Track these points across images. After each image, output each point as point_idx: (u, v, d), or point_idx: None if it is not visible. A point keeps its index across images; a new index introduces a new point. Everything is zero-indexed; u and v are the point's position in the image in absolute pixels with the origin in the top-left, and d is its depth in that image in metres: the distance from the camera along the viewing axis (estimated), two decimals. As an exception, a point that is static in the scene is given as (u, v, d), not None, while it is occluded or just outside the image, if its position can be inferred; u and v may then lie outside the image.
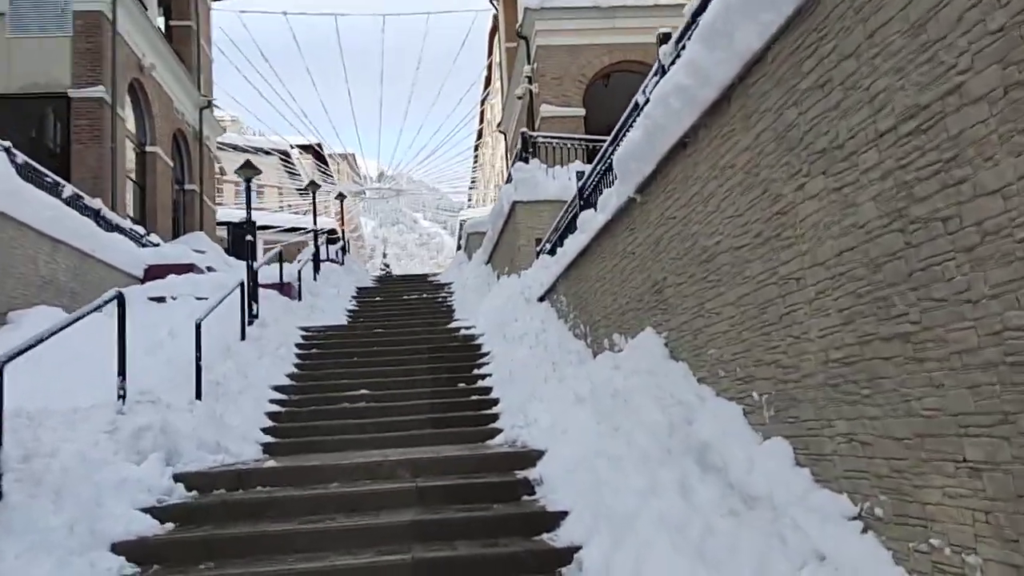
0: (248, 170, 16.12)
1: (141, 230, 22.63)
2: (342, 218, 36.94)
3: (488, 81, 48.87)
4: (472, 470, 8.36)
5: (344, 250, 30.65)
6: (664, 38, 8.75)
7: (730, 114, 6.26)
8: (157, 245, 22.60)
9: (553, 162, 20.32)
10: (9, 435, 6.72)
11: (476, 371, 12.90)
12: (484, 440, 9.90)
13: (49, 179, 17.93)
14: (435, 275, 30.09)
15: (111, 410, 8.39)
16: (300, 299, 19.04)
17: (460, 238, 36.91)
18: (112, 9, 23.55)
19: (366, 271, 33.73)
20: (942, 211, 3.84)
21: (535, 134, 21.88)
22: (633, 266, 9.12)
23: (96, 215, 19.41)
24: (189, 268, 19.89)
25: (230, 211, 40.77)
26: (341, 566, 6.32)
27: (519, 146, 20.98)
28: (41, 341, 7.45)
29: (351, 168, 72.86)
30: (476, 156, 63.69)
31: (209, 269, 21.22)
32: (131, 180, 25.40)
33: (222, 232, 35.67)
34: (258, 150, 49.27)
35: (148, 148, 26.64)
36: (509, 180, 20.28)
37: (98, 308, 8.99)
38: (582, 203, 12.80)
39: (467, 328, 15.92)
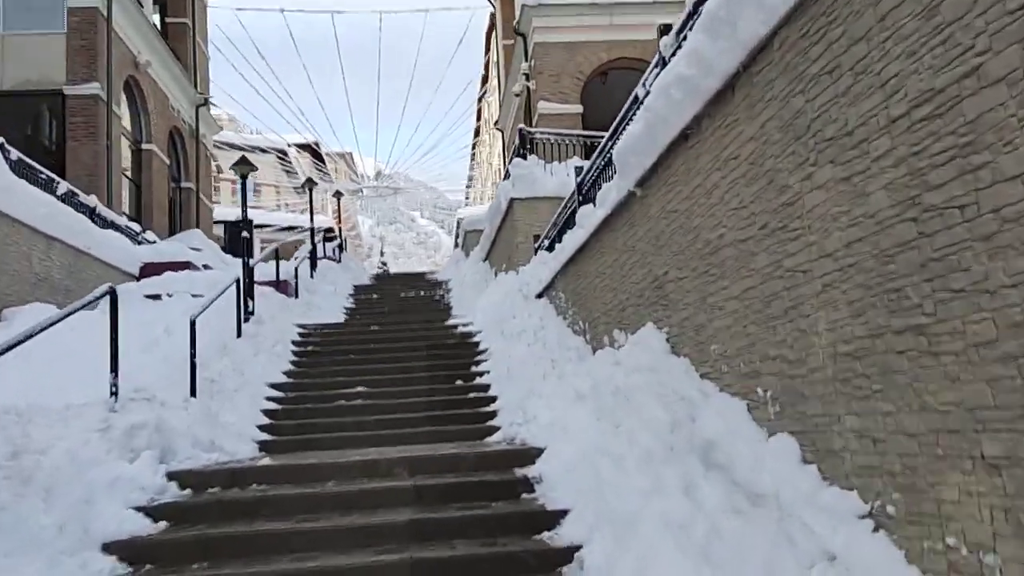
0: (243, 166, 16.00)
1: (137, 227, 22.53)
2: (339, 216, 36.81)
3: (485, 79, 48.79)
4: (470, 468, 8.24)
5: (341, 248, 30.53)
6: (665, 29, 8.62)
7: (734, 104, 6.13)
8: (153, 243, 22.48)
9: (551, 158, 20.19)
10: (-2, 432, 6.61)
11: (474, 368, 12.79)
12: (482, 438, 9.78)
13: (43, 176, 17.80)
14: (432, 273, 29.99)
15: (104, 407, 8.26)
16: (297, 297, 18.93)
17: (457, 236, 36.76)
18: (107, 5, 23.43)
19: (363, 269, 33.56)
20: (959, 198, 3.71)
21: (533, 130, 21.76)
22: (633, 261, 8.99)
23: (91, 212, 19.29)
24: (185, 266, 19.81)
25: (227, 209, 40.69)
26: (337, 566, 6.22)
27: (517, 142, 20.86)
28: (30, 337, 7.32)
29: (348, 166, 72.78)
30: (473, 154, 63.62)
31: (205, 267, 21.12)
32: (127, 177, 25.28)
33: (219, 230, 35.49)
34: (255, 148, 49.14)
35: (144, 145, 26.52)
36: (507, 177, 20.16)
37: (89, 304, 8.84)
38: (581, 198, 12.67)
39: (465, 325, 15.82)
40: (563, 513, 6.87)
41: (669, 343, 7.91)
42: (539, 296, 14.02)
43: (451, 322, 16.86)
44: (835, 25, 4.66)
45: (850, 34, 4.51)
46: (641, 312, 8.75)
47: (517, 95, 28.26)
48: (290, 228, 46.55)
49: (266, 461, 8.58)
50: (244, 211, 16.00)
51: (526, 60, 27.37)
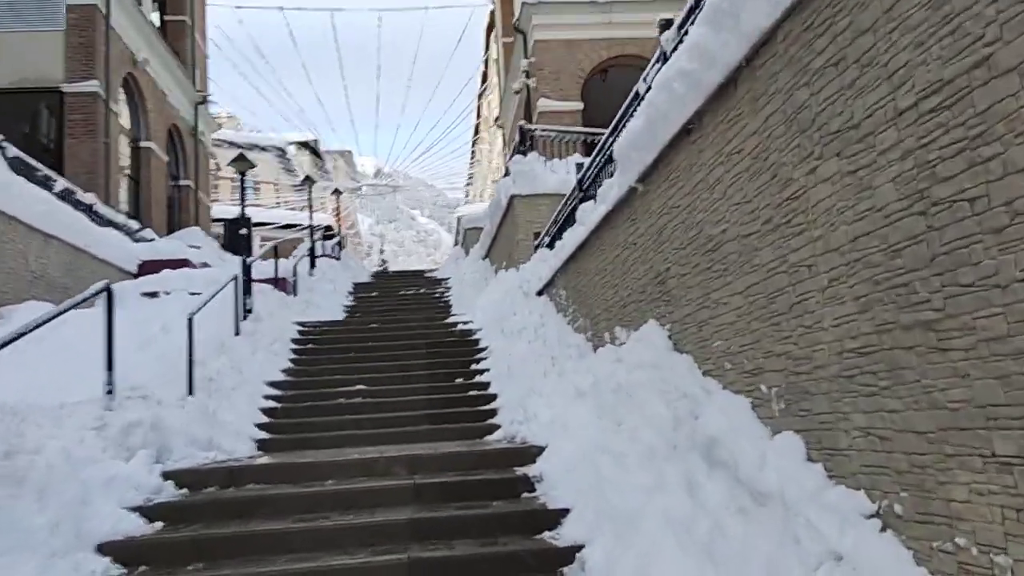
0: (241, 163, 15.93)
1: (135, 225, 22.46)
2: (338, 214, 36.73)
3: (485, 77, 48.71)
4: (470, 467, 8.17)
5: (340, 246, 30.46)
6: (666, 24, 8.53)
7: (737, 97, 6.04)
8: (151, 240, 22.40)
9: (551, 155, 20.13)
10: (-9, 431, 6.52)
11: (474, 366, 12.73)
12: (482, 436, 9.72)
13: (41, 173, 17.73)
14: (432, 271, 29.94)
15: (99, 405, 8.18)
16: (296, 294, 18.90)
17: (457, 233, 36.69)
18: (106, 3, 23.36)
19: (363, 267, 33.50)
20: (968, 191, 3.62)
21: (533, 127, 21.68)
22: (635, 257, 8.91)
23: (89, 210, 19.22)
24: (183, 263, 19.73)
25: (226, 207, 40.55)
26: (335, 566, 6.13)
27: (517, 139, 20.79)
28: (23, 335, 7.22)
29: (348, 165, 72.68)
30: (473, 152, 63.52)
31: (204, 265, 21.04)
32: (125, 175, 25.19)
33: (218, 228, 35.38)
34: (254, 146, 49.06)
35: (142, 143, 26.43)
36: (507, 174, 20.09)
37: (85, 301, 8.75)
38: (581, 195, 12.60)
39: (464, 323, 15.77)
40: (564, 512, 6.80)
41: (671, 340, 7.82)
42: (539, 293, 13.95)
43: (451, 320, 16.83)
44: (840, 16, 4.58)
45: (856, 25, 4.42)
46: (643, 309, 8.66)
47: (517, 92, 28.18)
48: (289, 226, 46.45)
49: (264, 460, 8.51)
50: (242, 208, 15.93)
51: (526, 57, 27.28)
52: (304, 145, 59.59)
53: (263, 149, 52.92)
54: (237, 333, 13.22)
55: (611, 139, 10.86)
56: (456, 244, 36.21)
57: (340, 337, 15.36)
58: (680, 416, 6.67)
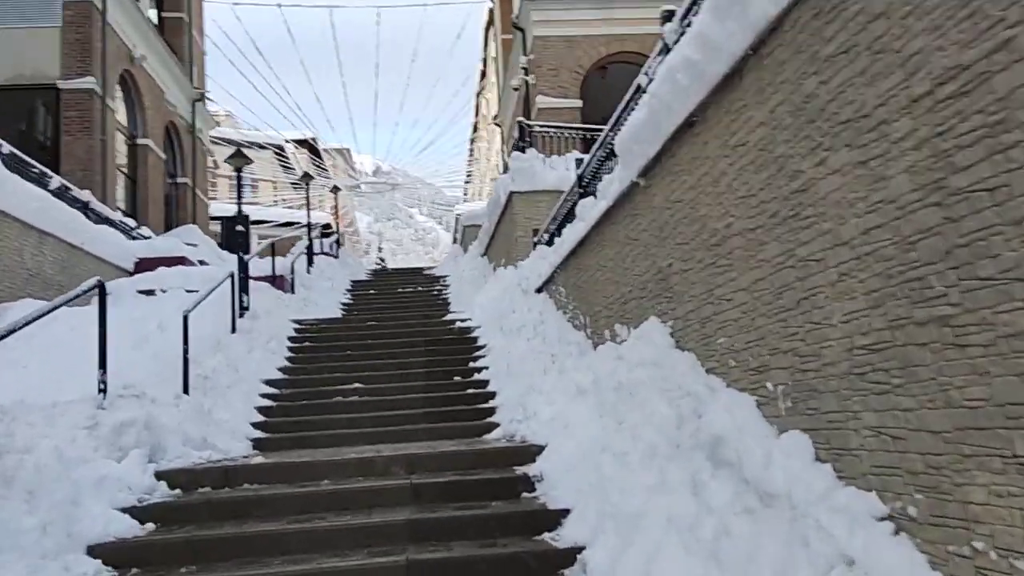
0: (238, 159, 15.79)
1: (131, 223, 22.32)
2: (336, 212, 36.61)
3: (483, 74, 48.58)
4: (469, 466, 8.04)
5: (338, 243, 30.34)
6: (668, 15, 8.39)
7: (742, 88, 5.90)
8: (148, 238, 22.25)
9: (551, 152, 20.03)
10: (-20, 431, 6.38)
11: (472, 364, 12.62)
12: (481, 435, 9.60)
13: (36, 170, 17.59)
14: (430, 268, 29.84)
15: (92, 404, 8.03)
16: (293, 292, 18.79)
17: (456, 231, 36.59)
18: (102, -1, 23.22)
19: (361, 265, 33.37)
20: (988, 180, 3.48)
21: (532, 123, 21.57)
22: (636, 253, 8.78)
23: (85, 207, 19.08)
24: (180, 261, 19.56)
25: (224, 205, 40.38)
26: (331, 568, 6.01)
27: (516, 136, 20.68)
28: (12, 332, 7.08)
29: (346, 163, 72.53)
30: (471, 150, 63.40)
31: (201, 263, 20.89)
32: (122, 173, 25.03)
33: (216, 226, 35.25)
34: (253, 144, 48.89)
35: (139, 140, 26.27)
36: (506, 171, 19.99)
37: (76, 297, 8.60)
38: (581, 191, 12.49)
39: (463, 320, 15.64)
40: (565, 512, 6.67)
41: (673, 337, 7.69)
42: (539, 291, 13.83)
43: (449, 317, 16.72)
44: (852, 2, 4.43)
45: (868, 10, 4.28)
46: (644, 305, 8.53)
47: (516, 89, 28.06)
48: (288, 224, 46.31)
49: (259, 459, 8.38)
50: (239, 205, 15.79)
51: (525, 54, 27.15)
52: (302, 143, 59.40)
53: (261, 147, 52.67)
54: (233, 331, 13.10)
55: (611, 133, 10.75)
56: (454, 242, 36.13)
57: (338, 335, 15.25)
58: (683, 414, 6.54)
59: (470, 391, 11.61)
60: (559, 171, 18.29)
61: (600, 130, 13.45)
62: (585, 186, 12.45)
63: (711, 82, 6.24)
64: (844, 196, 4.60)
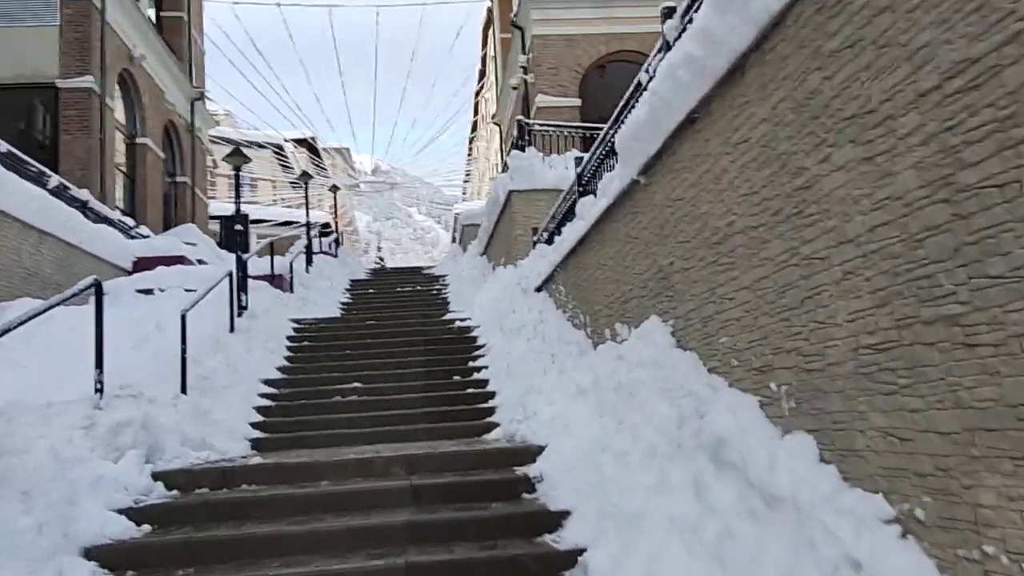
0: (237, 158, 15.71)
1: (130, 222, 22.22)
2: (335, 210, 36.53)
3: (483, 74, 48.49)
4: (469, 467, 7.97)
5: (337, 242, 30.25)
6: (668, 12, 8.32)
7: (745, 84, 5.83)
8: (147, 237, 22.16)
9: (550, 151, 19.96)
10: (-25, 431, 6.31)
11: (472, 364, 12.54)
12: (481, 435, 9.53)
13: (34, 169, 17.49)
14: (430, 268, 29.77)
15: (88, 404, 7.95)
16: (292, 291, 18.71)
17: (455, 230, 36.52)
18: (101, -2, 23.14)
19: (360, 264, 33.29)
20: (998, 176, 3.42)
21: (531, 121, 21.50)
22: (636, 252, 8.71)
23: (83, 206, 18.98)
24: (179, 260, 19.47)
25: (224, 205, 40.27)
26: (330, 571, 5.94)
27: (515, 134, 20.60)
28: (7, 331, 7.00)
29: (345, 162, 72.47)
30: (471, 149, 63.33)
31: (200, 262, 20.79)
32: (121, 172, 24.93)
33: (215, 226, 35.18)
34: (252, 144, 48.79)
35: (138, 139, 26.16)
36: (505, 169, 19.92)
37: (72, 297, 8.52)
38: (581, 190, 12.42)
39: (462, 320, 15.57)
40: (565, 514, 6.61)
41: (674, 336, 7.62)
42: (538, 290, 13.76)
43: (448, 317, 16.65)
44: (857, -4, 4.37)
45: (873, 4, 4.21)
46: (645, 304, 8.46)
47: (515, 88, 27.99)
48: (287, 223, 46.22)
49: (257, 460, 8.30)
50: (237, 204, 15.72)
51: (524, 53, 27.08)
52: (301, 142, 59.30)
53: (260, 146, 52.59)
54: (232, 330, 13.02)
55: (612, 131, 10.68)
56: (453, 241, 36.06)
57: (337, 334, 15.17)
58: (685, 415, 6.47)
59: (470, 391, 11.54)
60: (558, 170, 18.22)
61: (600, 128, 13.39)
62: (585, 184, 12.38)
63: (713, 78, 6.17)
64: (849, 193, 4.54)
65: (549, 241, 14.04)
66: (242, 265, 14.59)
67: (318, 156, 61.43)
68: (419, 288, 22.79)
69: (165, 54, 28.38)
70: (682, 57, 6.49)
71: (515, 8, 27.82)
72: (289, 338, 14.31)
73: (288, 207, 51.01)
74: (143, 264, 19.02)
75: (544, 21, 26.08)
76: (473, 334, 14.25)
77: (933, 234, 3.83)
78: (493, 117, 39.04)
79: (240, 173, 16.49)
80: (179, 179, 30.30)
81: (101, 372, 8.38)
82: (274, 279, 18.41)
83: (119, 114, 24.89)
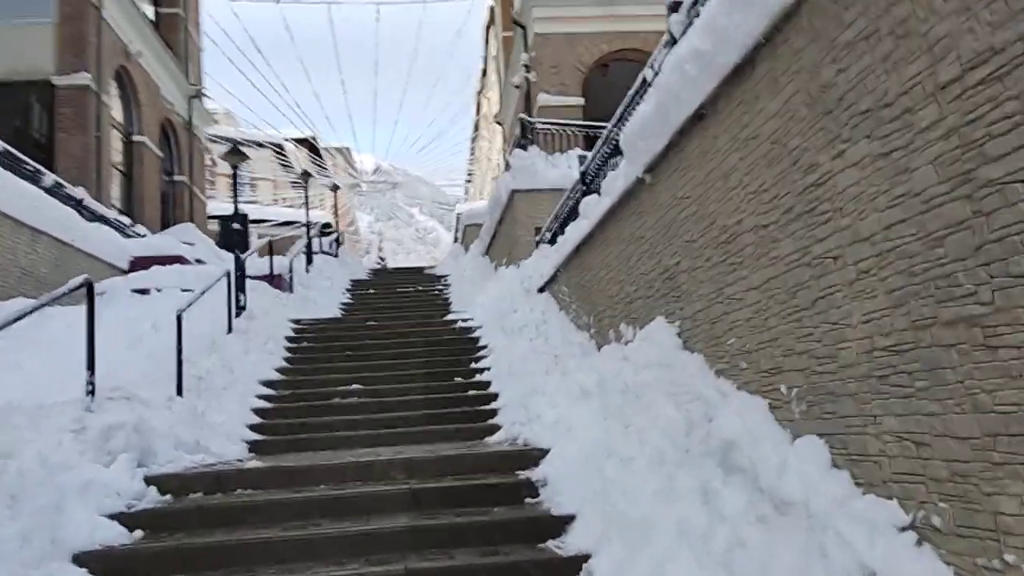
0: (234, 156, 15.58)
1: (127, 221, 22.11)
2: (336, 209, 36.41)
3: (484, 73, 48.36)
4: (470, 470, 7.80)
5: (338, 242, 30.12)
6: (675, 6, 8.16)
7: (754, 79, 5.68)
8: (143, 236, 22.04)
9: (552, 149, 19.82)
10: (-39, 435, 6.16)
11: (474, 365, 12.38)
12: (482, 437, 9.36)
13: (29, 167, 17.36)
14: (431, 268, 29.65)
15: (79, 407, 7.78)
16: (291, 291, 18.56)
17: (457, 230, 36.40)
18: (98, -6, 23.02)
19: (360, 264, 33.16)
20: (1022, 172, 3.26)
21: (534, 120, 21.36)
22: (641, 251, 8.56)
23: (79, 205, 18.85)
24: (177, 260, 19.35)
25: (224, 205, 40.14)
26: (326, 578, 5.77)
27: (517, 133, 20.49)
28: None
29: (346, 162, 72.36)
30: (472, 149, 63.19)
31: (198, 261, 20.68)
32: (117, 170, 24.82)
33: (214, 226, 35.06)
34: (252, 143, 48.67)
35: (135, 137, 26.06)
36: (507, 169, 19.80)
37: (63, 296, 8.38)
38: (584, 189, 12.30)
39: (464, 320, 15.42)
40: (569, 519, 6.44)
41: (681, 338, 7.48)
42: (541, 290, 13.66)
43: (450, 317, 16.51)
44: (872, -15, 4.21)
45: (891, -7, 4.06)
46: (650, 305, 8.32)
47: (516, 87, 27.85)
48: (288, 223, 46.10)
49: (253, 463, 8.15)
50: (235, 202, 15.59)
51: (526, 51, 26.95)
52: (302, 142, 59.19)
53: (260, 146, 52.51)
54: (230, 331, 12.86)
55: (615, 129, 10.54)
56: (455, 241, 35.92)
57: (336, 335, 15.01)
58: (692, 418, 6.32)
59: (471, 392, 11.38)
60: (561, 169, 18.12)
61: (603, 127, 13.26)
62: (588, 183, 12.25)
63: (721, 73, 6.03)
64: (864, 190, 4.39)
65: (552, 241, 13.94)
66: (240, 265, 14.44)
67: (319, 156, 61.33)
68: (420, 288, 22.67)
69: (162, 51, 28.28)
70: (689, 51, 6.35)
71: (517, 6, 27.68)
72: (288, 339, 14.15)
73: (289, 207, 50.91)
74: (140, 264, 18.90)
75: (546, 19, 25.93)
76: (475, 335, 14.11)
77: (953, 232, 3.68)
78: (495, 116, 38.91)
79: (239, 172, 16.39)
80: (177, 178, 30.20)
81: (93, 374, 8.22)
82: (273, 279, 18.27)
83: (116, 112, 24.81)
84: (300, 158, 56.37)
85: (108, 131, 23.51)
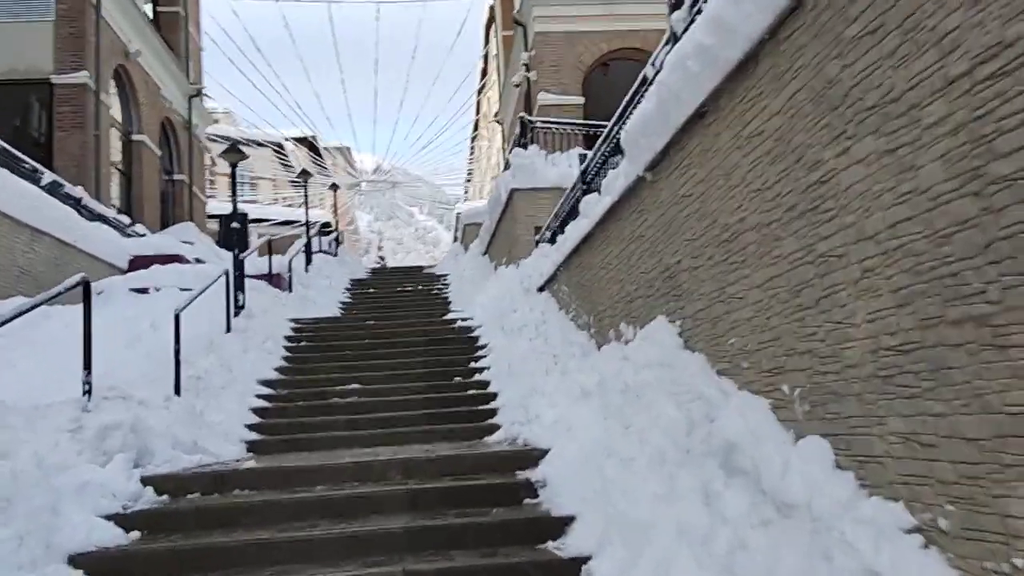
0: (233, 154, 15.52)
1: (126, 220, 22.04)
2: (335, 209, 36.35)
3: (484, 72, 48.31)
4: (469, 471, 7.74)
5: (338, 241, 30.07)
6: (677, 2, 8.10)
7: (758, 75, 5.62)
8: (143, 235, 21.98)
9: (552, 148, 19.77)
10: (-45, 435, 6.10)
11: (473, 364, 12.33)
12: (482, 437, 9.30)
13: (27, 166, 17.30)
14: (431, 267, 29.61)
15: (76, 407, 7.71)
16: (291, 291, 18.53)
17: (456, 230, 36.37)
18: (97, -7, 22.94)
19: (360, 263, 33.12)
20: (1034, 167, 3.20)
21: (534, 119, 21.31)
22: (642, 250, 8.50)
23: (77, 204, 18.79)
24: (176, 259, 19.29)
25: (223, 204, 40.07)
26: (324, 580, 5.70)
27: (517, 131, 20.44)
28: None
29: (346, 161, 72.32)
30: (472, 148, 63.15)
31: (198, 261, 20.60)
32: (117, 169, 24.76)
33: (214, 225, 34.98)
34: (252, 142, 48.60)
35: (134, 136, 25.98)
36: (507, 167, 19.76)
37: (59, 295, 8.32)
38: (584, 187, 12.25)
39: (464, 320, 15.39)
40: (569, 520, 6.37)
41: (682, 337, 7.42)
42: (540, 290, 13.61)
43: (449, 317, 16.48)
44: (878, -21, 4.15)
45: (897, -14, 3.99)
46: (651, 304, 8.26)
47: (517, 86, 27.81)
48: (288, 222, 46.04)
49: (251, 464, 8.10)
50: (234, 201, 15.53)
51: (526, 50, 26.90)
52: (302, 141, 59.13)
53: (260, 145, 52.43)
54: (228, 330, 12.83)
55: (616, 127, 10.48)
56: (455, 240, 35.90)
57: (336, 334, 14.98)
58: (694, 419, 6.26)
59: (471, 392, 11.34)
60: (561, 168, 18.07)
61: (603, 125, 13.20)
62: (589, 182, 12.20)
63: (724, 69, 5.96)
64: (869, 187, 4.32)
65: (552, 240, 13.89)
66: (239, 264, 14.40)
67: (319, 155, 61.28)
68: (420, 288, 22.65)
69: (162, 50, 28.19)
70: (692, 47, 6.28)
71: (517, 5, 27.64)
72: (287, 338, 14.12)
73: (289, 206, 50.84)
74: (139, 263, 18.86)
75: (546, 18, 25.89)
76: (474, 334, 14.07)
77: (961, 229, 3.62)
78: (495, 116, 38.87)
79: (239, 172, 16.33)
80: (177, 177, 30.12)
81: (89, 373, 8.16)
82: (272, 278, 18.24)
83: (115, 111, 24.74)
84: (300, 157, 56.33)
85: (107, 130, 23.44)
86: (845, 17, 4.45)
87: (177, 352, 9.75)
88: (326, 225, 37.65)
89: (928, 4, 3.74)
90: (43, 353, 11.25)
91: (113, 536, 6.25)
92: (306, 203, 26.68)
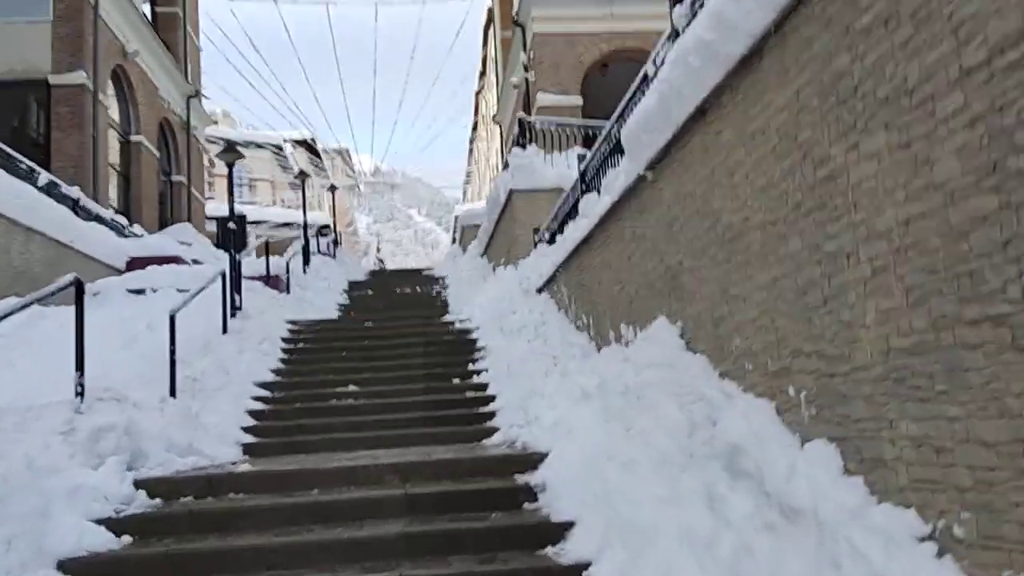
0: (230, 154, 15.39)
1: (123, 221, 21.93)
2: (334, 210, 36.26)
3: (483, 73, 48.26)
4: (467, 474, 7.59)
5: (336, 243, 29.94)
6: (677, 0, 7.99)
7: (762, 71, 5.49)
8: (140, 236, 21.87)
9: (551, 148, 19.63)
10: (-56, 438, 5.97)
11: (472, 366, 12.19)
12: (480, 440, 9.16)
13: (23, 165, 17.18)
14: (429, 269, 29.49)
15: (69, 408, 7.57)
16: (288, 292, 18.36)
17: (455, 231, 36.28)
18: (94, -7, 22.84)
19: (359, 265, 33.00)
20: (1056, 160, 3.08)
21: (533, 118, 21.20)
22: (643, 250, 8.38)
23: (74, 204, 18.68)
24: (173, 260, 19.19)
25: (221, 205, 39.99)
26: (318, 586, 5.58)
27: (516, 131, 20.33)
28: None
29: (345, 163, 72.31)
30: (471, 150, 63.12)
31: (195, 262, 20.51)
32: (114, 170, 24.64)
33: (212, 227, 34.88)
34: (250, 144, 48.53)
35: (132, 137, 25.88)
36: (505, 168, 19.65)
37: (51, 296, 8.21)
38: (584, 187, 12.14)
39: (462, 321, 15.25)
40: (569, 525, 6.23)
41: (683, 338, 7.30)
42: (539, 291, 13.50)
43: (448, 318, 16.34)
44: (890, -32, 4.02)
45: (910, -25, 3.87)
46: (652, 305, 8.14)
47: (515, 87, 27.73)
48: (287, 224, 45.95)
49: (246, 467, 7.95)
50: (231, 202, 15.40)
51: (525, 51, 26.82)
52: (301, 143, 59.09)
53: (259, 146, 52.40)
54: (225, 331, 12.69)
55: (616, 126, 10.37)
56: (454, 242, 35.81)
57: (333, 336, 14.83)
58: (696, 421, 6.14)
59: (469, 394, 11.21)
60: (560, 168, 17.95)
61: (602, 125, 13.09)
62: (588, 182, 12.09)
63: (727, 64, 5.84)
64: (880, 184, 4.20)
65: (551, 241, 13.79)
66: (236, 265, 14.27)
67: (318, 156, 61.24)
68: (418, 289, 22.49)
69: (160, 50, 28.09)
70: (694, 43, 6.16)
71: (516, 5, 27.55)
72: (284, 340, 13.96)
73: (288, 208, 50.77)
74: (136, 263, 18.75)
75: (545, 19, 25.82)
76: (473, 336, 13.91)
77: (979, 226, 3.49)
78: (494, 117, 38.79)
79: (238, 173, 16.22)
80: (175, 178, 30.02)
81: (82, 374, 8.02)
82: (270, 280, 18.10)
83: (112, 111, 24.65)
84: (299, 159, 56.26)
85: (105, 131, 23.33)
86: (855, 8, 4.33)
87: (172, 353, 9.62)
88: (325, 227, 37.56)
89: (943, -7, 3.62)
90: (39, 353, 11.13)
91: (104, 541, 6.11)
92: (304, 205, 26.52)
